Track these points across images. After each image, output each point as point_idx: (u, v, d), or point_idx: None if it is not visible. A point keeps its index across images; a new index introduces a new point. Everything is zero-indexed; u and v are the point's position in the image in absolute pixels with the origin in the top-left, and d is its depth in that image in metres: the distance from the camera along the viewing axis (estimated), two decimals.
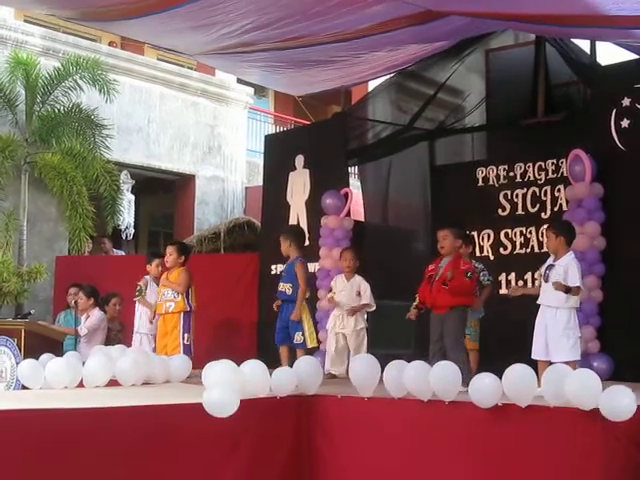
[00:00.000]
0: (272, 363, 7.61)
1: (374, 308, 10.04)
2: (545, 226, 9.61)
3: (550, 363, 7.86)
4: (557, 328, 8.10)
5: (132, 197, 16.22)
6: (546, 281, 8.27)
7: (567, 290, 8.04)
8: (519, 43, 12.56)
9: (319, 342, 10.54)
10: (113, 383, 8.53)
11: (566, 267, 8.17)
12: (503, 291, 10.96)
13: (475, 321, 9.56)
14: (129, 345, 10.57)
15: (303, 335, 9.76)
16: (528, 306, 8.41)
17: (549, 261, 8.41)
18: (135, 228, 16.97)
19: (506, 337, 9.67)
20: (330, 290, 10.20)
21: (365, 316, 10.23)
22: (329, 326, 10.11)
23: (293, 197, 12.64)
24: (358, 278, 10.07)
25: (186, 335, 10.08)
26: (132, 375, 8.62)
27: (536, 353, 8.20)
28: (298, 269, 9.75)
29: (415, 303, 8.71)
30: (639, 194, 9.71)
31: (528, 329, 8.24)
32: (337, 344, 9.96)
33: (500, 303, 10.07)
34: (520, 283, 10.83)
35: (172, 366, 9.13)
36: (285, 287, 9.84)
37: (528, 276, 10.79)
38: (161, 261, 10.82)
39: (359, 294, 9.97)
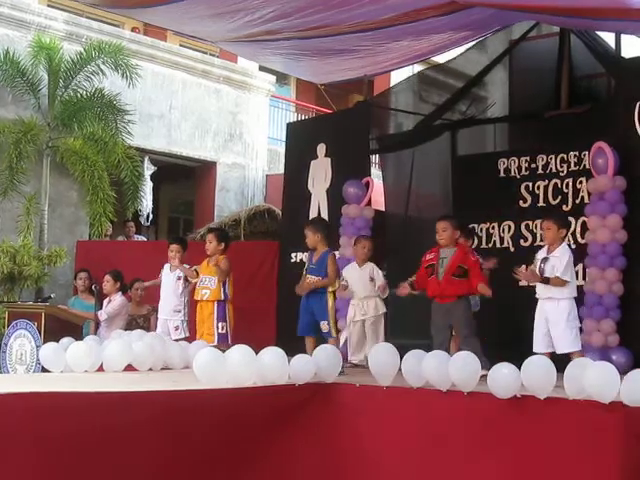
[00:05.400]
0: (291, 351, 7.62)
1: (387, 294, 10.03)
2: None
3: (552, 355, 7.92)
4: (560, 319, 8.17)
5: (151, 184, 16.28)
6: (542, 274, 8.37)
7: (545, 281, 8.15)
8: (543, 34, 12.49)
9: (338, 331, 10.54)
10: (130, 368, 8.57)
11: (560, 258, 8.25)
12: (522, 282, 10.93)
13: None
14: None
15: (329, 325, 9.69)
16: None
17: (542, 253, 8.47)
18: (155, 214, 17.01)
19: (526, 328, 9.62)
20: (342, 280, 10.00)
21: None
22: (349, 316, 10.07)
23: (314, 186, 12.61)
24: (370, 264, 10.06)
25: (220, 324, 10.07)
26: (148, 360, 8.66)
27: (537, 346, 8.28)
28: (330, 262, 9.66)
29: (411, 280, 8.96)
30: None
31: None
32: (358, 333, 9.96)
33: (519, 297, 10.02)
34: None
35: (191, 352, 9.16)
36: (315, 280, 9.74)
37: None
38: (178, 247, 10.87)
39: (372, 280, 9.98)
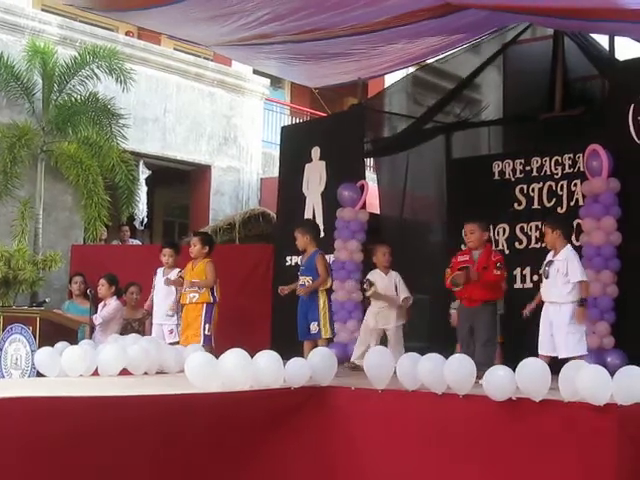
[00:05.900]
0: (286, 354, 7.61)
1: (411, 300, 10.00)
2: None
3: (556, 358, 7.93)
4: (562, 323, 8.18)
5: (145, 188, 16.26)
6: (546, 277, 8.42)
7: (581, 303, 8.18)
8: (537, 37, 12.52)
9: (334, 334, 10.54)
10: (125, 372, 8.55)
11: (565, 262, 8.26)
12: (518, 285, 10.96)
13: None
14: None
15: (318, 325, 9.75)
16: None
17: (548, 257, 8.50)
18: (150, 218, 16.98)
19: (522, 331, 9.64)
20: (370, 285, 9.84)
21: None
22: (370, 323, 9.90)
23: (309, 189, 12.59)
24: (394, 273, 9.99)
25: (207, 325, 10.11)
26: (143, 364, 8.65)
27: (542, 348, 8.30)
28: (319, 262, 9.76)
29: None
30: None
31: None
32: (375, 339, 9.80)
33: (515, 297, 10.04)
34: (535, 277, 10.81)
35: (186, 355, 9.12)
36: (305, 280, 9.82)
37: None
38: (171, 251, 10.89)
39: (396, 288, 9.91)
